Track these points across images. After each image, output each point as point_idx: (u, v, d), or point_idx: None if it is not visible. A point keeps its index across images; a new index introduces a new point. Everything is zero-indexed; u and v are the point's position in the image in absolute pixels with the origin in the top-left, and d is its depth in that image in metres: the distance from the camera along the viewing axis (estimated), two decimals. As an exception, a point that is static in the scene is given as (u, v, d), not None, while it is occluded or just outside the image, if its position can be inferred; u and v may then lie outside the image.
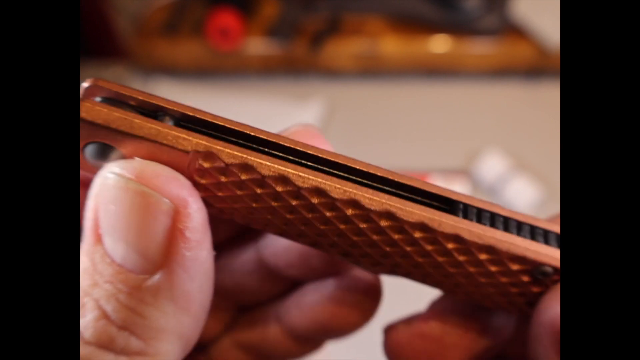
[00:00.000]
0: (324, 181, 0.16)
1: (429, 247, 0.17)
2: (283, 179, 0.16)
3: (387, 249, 0.17)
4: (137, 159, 0.15)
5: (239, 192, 0.16)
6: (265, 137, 0.16)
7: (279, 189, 0.16)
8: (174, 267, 0.14)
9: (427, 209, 0.16)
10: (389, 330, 0.21)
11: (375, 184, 0.17)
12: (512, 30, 0.77)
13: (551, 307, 0.17)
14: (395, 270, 0.18)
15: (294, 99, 0.78)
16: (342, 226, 0.16)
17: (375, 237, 0.17)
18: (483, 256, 0.17)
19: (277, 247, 0.21)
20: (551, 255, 0.17)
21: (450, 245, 0.17)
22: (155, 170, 0.15)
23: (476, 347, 0.20)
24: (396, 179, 0.17)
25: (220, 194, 0.16)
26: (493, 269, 0.17)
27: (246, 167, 0.15)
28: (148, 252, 0.14)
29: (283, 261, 0.21)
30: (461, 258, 0.17)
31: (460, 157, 0.73)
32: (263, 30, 0.79)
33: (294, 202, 0.16)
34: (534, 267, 0.17)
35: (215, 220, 0.16)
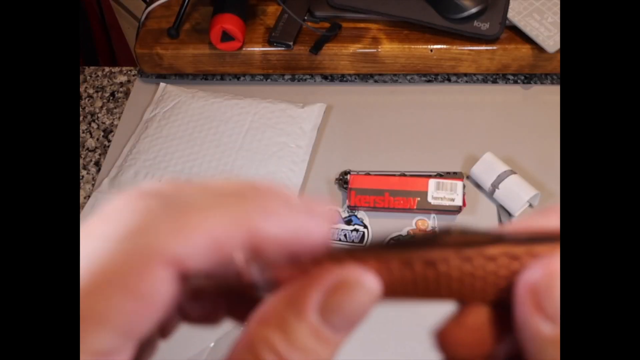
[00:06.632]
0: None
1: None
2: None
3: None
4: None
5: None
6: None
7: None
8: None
9: None
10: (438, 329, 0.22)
11: None
12: (510, 33, 0.77)
13: (530, 273, 0.18)
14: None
15: (295, 101, 0.78)
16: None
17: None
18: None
19: None
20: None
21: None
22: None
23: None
24: None
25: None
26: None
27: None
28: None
29: None
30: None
31: (459, 160, 0.73)
32: (264, 34, 0.80)
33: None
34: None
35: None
